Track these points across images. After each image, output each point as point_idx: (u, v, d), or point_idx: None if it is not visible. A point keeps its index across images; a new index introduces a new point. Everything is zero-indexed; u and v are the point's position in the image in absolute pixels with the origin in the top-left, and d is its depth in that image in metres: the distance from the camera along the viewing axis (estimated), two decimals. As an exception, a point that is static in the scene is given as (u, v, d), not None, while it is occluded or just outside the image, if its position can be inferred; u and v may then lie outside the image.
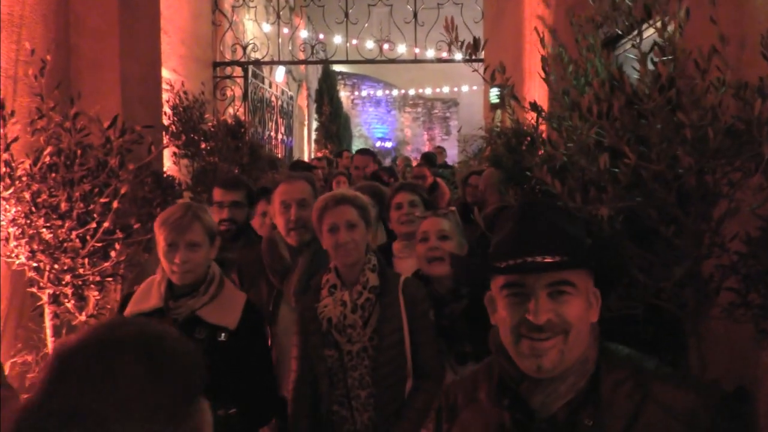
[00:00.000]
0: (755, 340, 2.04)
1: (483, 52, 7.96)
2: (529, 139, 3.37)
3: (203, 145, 5.29)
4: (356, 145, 19.10)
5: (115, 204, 2.78)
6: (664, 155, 1.94)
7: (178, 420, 0.99)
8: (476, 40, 2.14)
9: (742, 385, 2.34)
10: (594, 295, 1.32)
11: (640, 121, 1.99)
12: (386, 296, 2.40)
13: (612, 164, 2.06)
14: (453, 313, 2.47)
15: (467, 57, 2.11)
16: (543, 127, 2.79)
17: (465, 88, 17.47)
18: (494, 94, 7.01)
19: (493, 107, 6.92)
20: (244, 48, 9.35)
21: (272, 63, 10.80)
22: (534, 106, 2.23)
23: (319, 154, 14.58)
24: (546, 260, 1.24)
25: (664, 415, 1.22)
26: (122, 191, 2.80)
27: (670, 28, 1.96)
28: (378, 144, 20.27)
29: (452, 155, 14.75)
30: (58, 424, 0.92)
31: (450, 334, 2.46)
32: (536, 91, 5.54)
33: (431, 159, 9.01)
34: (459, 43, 2.15)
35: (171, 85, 5.83)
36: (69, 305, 2.99)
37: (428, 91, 19.18)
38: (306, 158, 15.49)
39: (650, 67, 2.05)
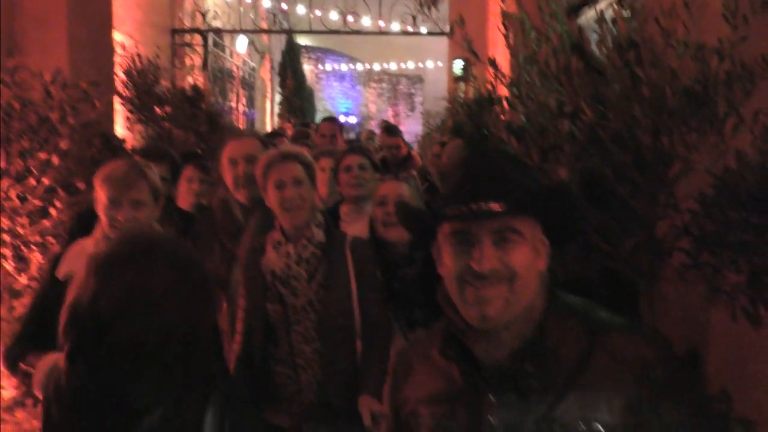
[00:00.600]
0: (706, 302, 2.05)
1: (447, 26, 7.89)
2: (486, 104, 3.35)
3: (157, 110, 5.12)
4: (320, 119, 18.89)
5: (55, 160, 2.65)
6: (622, 114, 1.91)
7: (203, 307, 1.33)
8: (435, -6, 2.07)
9: (694, 348, 2.37)
10: (542, 243, 1.28)
11: (599, 80, 1.96)
12: (333, 253, 2.36)
13: (570, 120, 2.04)
14: (405, 278, 2.44)
15: (425, 9, 2.04)
16: (505, 93, 2.76)
17: (430, 64, 17.38)
18: (458, 67, 6.97)
19: (457, 80, 6.88)
20: (204, 15, 9.10)
21: (233, 32, 10.55)
22: (492, 62, 2.18)
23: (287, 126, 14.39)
24: (491, 207, 1.20)
25: (614, 364, 1.20)
26: (62, 146, 2.66)
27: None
28: (342, 119, 20.10)
29: (417, 131, 14.70)
30: (108, 320, 1.19)
31: (401, 298, 2.42)
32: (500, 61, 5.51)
33: (392, 129, 8.93)
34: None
35: (124, 49, 5.62)
36: (9, 267, 2.85)
37: (393, 67, 19.04)
38: (268, 130, 15.25)
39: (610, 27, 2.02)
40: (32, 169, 2.64)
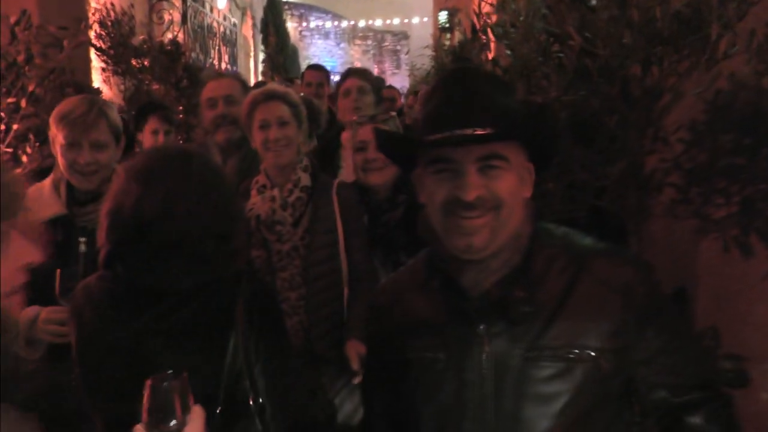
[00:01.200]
0: (695, 237, 2.02)
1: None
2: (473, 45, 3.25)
3: (134, 62, 4.97)
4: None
5: (22, 103, 2.53)
6: (610, 42, 1.84)
7: (233, 209, 1.49)
8: None
9: (682, 286, 2.35)
10: (527, 170, 1.23)
11: (586, 7, 1.88)
12: (319, 197, 2.29)
13: (557, 53, 1.96)
14: (389, 222, 2.38)
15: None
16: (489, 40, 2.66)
17: (416, 20, 17.06)
18: (443, 17, 6.83)
19: (442, 30, 6.74)
20: (182, -33, 8.81)
21: (213, -14, 10.25)
22: (478, 15, 2.09)
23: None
24: (476, 132, 1.13)
25: (600, 287, 1.18)
26: (30, 89, 2.54)
27: None
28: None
29: (403, 88, 14.51)
30: (150, 221, 1.29)
31: (386, 242, 2.37)
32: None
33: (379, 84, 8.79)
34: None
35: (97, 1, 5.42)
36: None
37: (378, 23, 18.71)
38: (252, 91, 15.00)
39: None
40: (1, 114, 2.53)
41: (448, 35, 6.41)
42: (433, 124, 1.19)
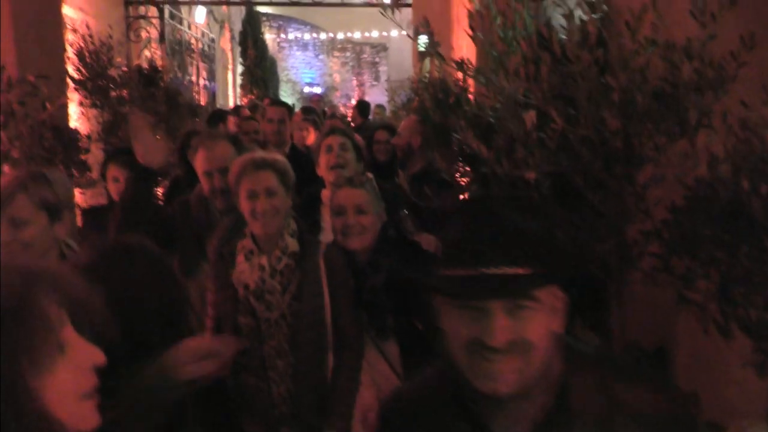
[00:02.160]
0: (676, 304, 2.06)
1: (411, -1, 7.72)
2: (453, 98, 3.27)
3: (113, 94, 4.91)
4: (283, 90, 18.53)
5: (6, 169, 2.50)
6: (592, 118, 1.87)
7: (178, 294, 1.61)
8: (399, -8, 1.98)
9: (663, 346, 2.39)
10: (558, 299, 1.10)
11: (568, 82, 1.91)
12: (306, 262, 2.28)
13: (539, 125, 1.99)
14: (374, 287, 2.37)
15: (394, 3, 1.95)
16: (470, 81, 2.69)
17: (395, 33, 17.10)
18: (422, 41, 6.84)
19: (422, 56, 6.75)
20: (159, -14, 8.74)
21: (190, 2, 10.20)
22: (460, 66, 2.12)
23: (245, 100, 14.04)
24: (506, 272, 1.03)
25: (636, 426, 1.10)
26: (14, 155, 2.50)
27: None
28: (306, 89, 19.74)
29: (381, 101, 14.52)
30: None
31: (371, 307, 2.36)
32: (464, 40, 5.40)
33: (365, 108, 8.80)
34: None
35: (75, 27, 5.35)
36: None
37: (357, 35, 18.73)
38: (231, 103, 14.91)
39: (577, 22, 1.97)
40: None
41: (427, 62, 6.42)
42: (458, 258, 1.08)
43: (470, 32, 2.07)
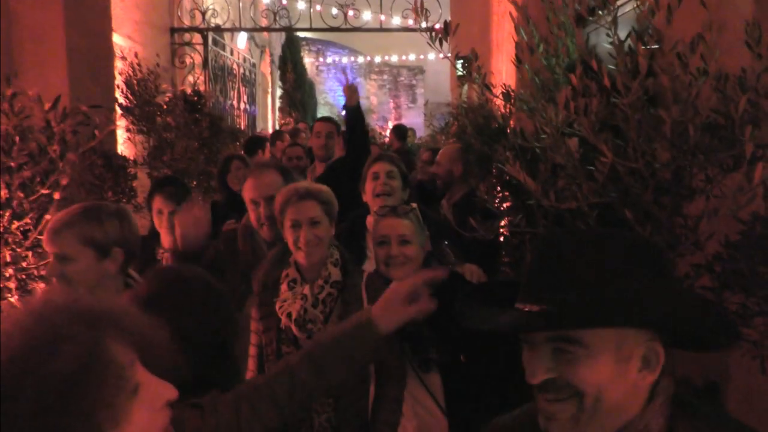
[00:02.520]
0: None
1: (449, 17, 7.76)
2: (496, 125, 3.26)
3: (159, 120, 5.05)
4: (321, 113, 18.78)
5: (56, 195, 2.58)
6: (642, 151, 1.84)
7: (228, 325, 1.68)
8: (447, 24, 1.99)
9: (714, 381, 2.32)
10: (651, 351, 1.02)
11: (616, 113, 1.89)
12: (349, 292, 2.29)
13: (586, 156, 1.97)
14: (418, 318, 2.35)
15: (435, 38, 1.96)
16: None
17: (431, 56, 17.24)
18: (460, 66, 6.86)
19: (460, 79, 6.77)
20: (204, 13, 8.97)
21: (233, 30, 10.42)
22: (506, 96, 2.11)
23: (282, 122, 14.27)
24: (530, 309, 1.02)
25: None
26: (63, 183, 2.59)
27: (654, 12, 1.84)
28: (344, 112, 19.93)
29: (418, 123, 14.61)
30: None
31: (414, 339, 2.35)
32: (503, 65, 5.41)
33: (402, 132, 8.85)
34: (427, 26, 2.00)
35: (124, 55, 5.53)
36: (13, 300, 2.80)
37: (394, 59, 18.90)
38: (270, 127, 15.15)
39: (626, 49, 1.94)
40: (35, 204, 2.57)
41: (466, 86, 6.43)
42: (518, 292, 1.09)
43: (515, 63, 2.06)
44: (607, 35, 1.97)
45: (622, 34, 1.98)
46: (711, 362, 2.37)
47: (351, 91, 4.53)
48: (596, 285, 1.00)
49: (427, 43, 2.16)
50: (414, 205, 2.53)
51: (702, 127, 1.79)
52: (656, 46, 1.84)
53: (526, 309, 1.04)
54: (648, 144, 1.80)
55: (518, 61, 2.08)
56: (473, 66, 2.16)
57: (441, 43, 2.05)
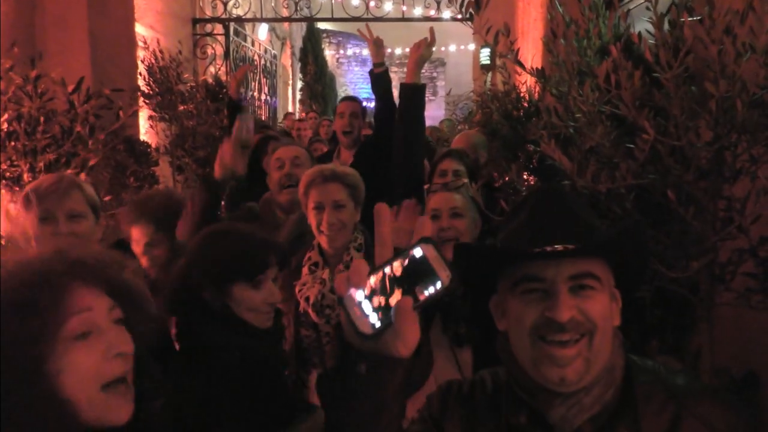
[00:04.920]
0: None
1: (471, 9, 7.65)
2: (526, 105, 3.17)
3: (180, 107, 5.02)
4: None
5: (83, 176, 2.55)
6: (685, 129, 1.76)
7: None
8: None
9: (752, 371, 2.23)
10: (614, 289, 1.17)
11: (657, 91, 1.80)
12: None
13: (624, 137, 1.89)
14: (455, 293, 2.29)
15: (467, 16, 1.89)
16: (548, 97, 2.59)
17: (452, 48, 17.12)
18: (485, 54, 6.75)
19: (484, 68, 6.67)
20: (225, 4, 8.95)
21: (254, 20, 10.39)
22: (540, 73, 2.03)
23: (303, 115, 14.23)
24: (569, 247, 1.08)
25: (705, 430, 1.09)
26: (91, 163, 2.56)
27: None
28: (364, 104, 19.86)
29: (438, 116, 14.48)
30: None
31: (447, 312, 2.28)
32: (529, 52, 5.31)
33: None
34: (459, 1, 1.92)
35: (146, 44, 5.52)
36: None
37: (415, 50, 18.78)
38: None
39: (666, 27, 1.86)
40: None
41: (489, 74, 6.32)
42: (523, 240, 1.15)
43: (548, 44, 1.98)
44: (648, 8, 1.88)
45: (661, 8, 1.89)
46: (747, 352, 2.28)
47: (377, 46, 4.07)
48: (598, 226, 1.18)
49: (454, 18, 2.09)
50: (465, 180, 2.47)
51: (748, 104, 1.71)
52: (699, 17, 1.76)
53: (569, 247, 1.09)
54: (692, 121, 1.71)
55: (553, 36, 1.99)
56: (504, 43, 2.08)
57: (471, 15, 1.97)
